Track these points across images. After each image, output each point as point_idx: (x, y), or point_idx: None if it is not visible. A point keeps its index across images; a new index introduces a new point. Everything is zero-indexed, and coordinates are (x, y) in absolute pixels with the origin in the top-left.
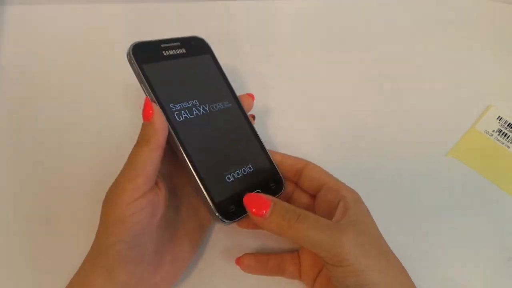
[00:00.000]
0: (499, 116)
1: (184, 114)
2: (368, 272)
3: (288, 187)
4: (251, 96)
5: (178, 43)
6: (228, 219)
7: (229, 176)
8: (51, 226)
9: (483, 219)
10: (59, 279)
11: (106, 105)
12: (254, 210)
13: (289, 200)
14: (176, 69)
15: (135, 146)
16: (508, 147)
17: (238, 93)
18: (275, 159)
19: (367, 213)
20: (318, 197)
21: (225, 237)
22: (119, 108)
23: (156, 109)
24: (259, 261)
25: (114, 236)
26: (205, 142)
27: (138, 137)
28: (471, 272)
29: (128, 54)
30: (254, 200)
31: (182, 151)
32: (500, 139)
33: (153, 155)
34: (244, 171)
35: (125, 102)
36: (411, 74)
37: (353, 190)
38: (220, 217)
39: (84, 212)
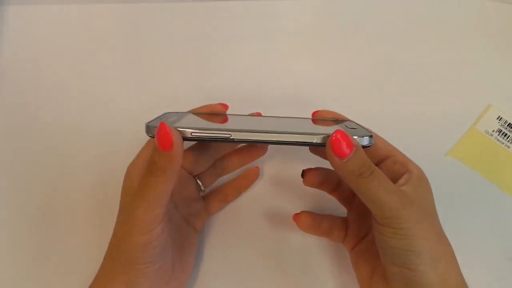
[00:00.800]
0: (499, 116)
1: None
2: (416, 239)
3: None
4: (224, 106)
5: None
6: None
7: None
8: (51, 226)
9: (483, 219)
10: (59, 279)
11: (106, 105)
12: (338, 147)
13: None
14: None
15: (148, 174)
16: (508, 147)
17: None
18: (340, 117)
19: (429, 191)
20: (382, 167)
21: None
22: (120, 108)
23: (177, 137)
24: (315, 220)
25: (135, 259)
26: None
27: (151, 165)
28: (471, 272)
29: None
30: (341, 138)
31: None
32: (500, 139)
33: (169, 186)
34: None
35: (125, 101)
36: (410, 74)
37: (419, 167)
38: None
39: (85, 212)
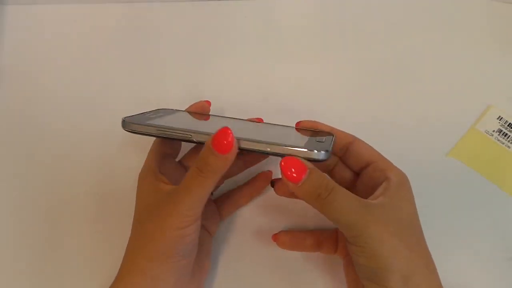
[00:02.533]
0: (499, 116)
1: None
2: (383, 258)
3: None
4: (207, 103)
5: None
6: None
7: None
8: (51, 225)
9: (483, 219)
10: (59, 280)
11: (106, 105)
12: (288, 173)
13: (330, 173)
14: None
15: (198, 174)
16: (509, 147)
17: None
18: (323, 128)
19: (407, 198)
20: (363, 175)
21: (258, 217)
22: (120, 107)
23: (235, 143)
24: (295, 237)
25: (168, 251)
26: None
27: (204, 165)
28: (471, 272)
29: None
30: (291, 163)
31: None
32: (501, 139)
33: (213, 186)
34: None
35: (125, 101)
36: (410, 74)
37: (401, 172)
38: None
39: (87, 211)
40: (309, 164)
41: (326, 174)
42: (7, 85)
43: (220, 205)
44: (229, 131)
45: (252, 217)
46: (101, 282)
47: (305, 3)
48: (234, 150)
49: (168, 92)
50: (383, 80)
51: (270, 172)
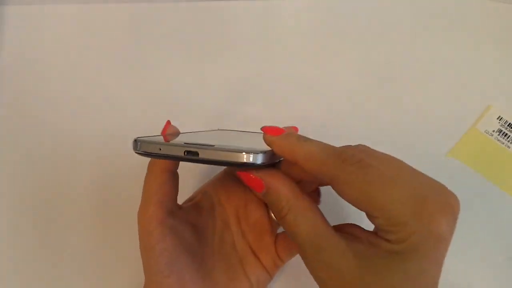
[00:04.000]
0: (499, 116)
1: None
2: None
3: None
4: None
5: None
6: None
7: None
8: (51, 227)
9: (483, 219)
10: (59, 280)
11: (106, 105)
12: (249, 184)
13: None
14: None
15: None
16: (509, 147)
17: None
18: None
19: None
20: None
21: None
22: (120, 107)
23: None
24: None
25: (148, 267)
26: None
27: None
28: (471, 272)
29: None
30: (245, 178)
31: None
32: (501, 139)
33: (158, 181)
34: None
35: (126, 101)
36: (411, 74)
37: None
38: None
39: (87, 211)
40: (267, 180)
41: (291, 185)
42: (7, 85)
43: (279, 244)
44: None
45: None
46: (102, 282)
47: (305, 3)
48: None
49: (168, 92)
50: (383, 80)
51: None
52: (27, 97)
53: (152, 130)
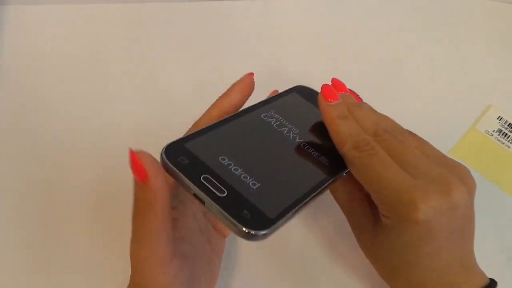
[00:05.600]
0: (499, 116)
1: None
2: None
3: None
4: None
5: None
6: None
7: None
8: (50, 227)
9: (484, 220)
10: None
11: (107, 105)
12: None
13: None
14: None
15: (136, 214)
16: (509, 147)
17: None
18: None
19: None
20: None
21: None
22: (121, 107)
23: (151, 165)
24: None
25: None
26: None
27: (135, 202)
28: None
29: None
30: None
31: None
32: (501, 139)
33: (163, 223)
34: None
35: (126, 101)
36: (411, 74)
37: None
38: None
39: (87, 211)
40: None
41: None
42: (7, 85)
43: None
44: (133, 154)
45: None
46: (101, 282)
47: (305, 2)
48: (153, 179)
49: (168, 92)
50: (383, 81)
51: None
52: (27, 97)
53: (153, 129)
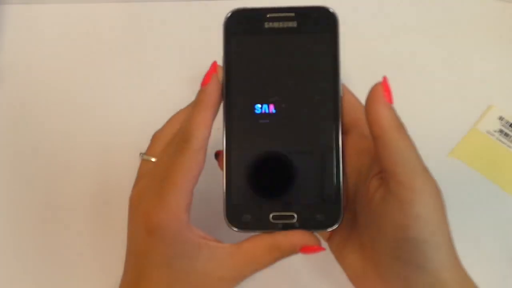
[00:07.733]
0: (500, 116)
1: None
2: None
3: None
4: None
5: (291, 14)
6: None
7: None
8: (50, 227)
9: (484, 220)
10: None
11: (107, 105)
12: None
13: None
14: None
15: (196, 107)
16: (510, 147)
17: None
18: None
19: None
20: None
21: None
22: (121, 107)
23: (215, 81)
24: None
25: (172, 250)
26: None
27: (195, 102)
28: (471, 273)
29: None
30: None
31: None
32: (502, 139)
33: (211, 117)
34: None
35: (126, 101)
36: (411, 74)
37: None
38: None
39: (87, 211)
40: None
41: None
42: (7, 85)
43: None
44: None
45: None
46: (102, 282)
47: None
48: (214, 83)
49: (169, 92)
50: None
51: None
52: (27, 97)
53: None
